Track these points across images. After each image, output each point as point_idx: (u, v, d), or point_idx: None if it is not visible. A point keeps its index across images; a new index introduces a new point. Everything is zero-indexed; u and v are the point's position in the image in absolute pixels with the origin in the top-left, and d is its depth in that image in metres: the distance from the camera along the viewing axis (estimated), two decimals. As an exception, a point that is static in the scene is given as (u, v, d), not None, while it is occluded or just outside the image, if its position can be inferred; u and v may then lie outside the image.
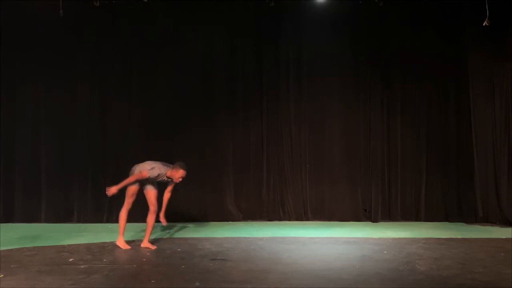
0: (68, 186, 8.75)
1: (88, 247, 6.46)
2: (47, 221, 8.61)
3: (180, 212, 8.48)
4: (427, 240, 6.98)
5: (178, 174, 6.38)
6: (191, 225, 8.31)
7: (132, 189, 6.44)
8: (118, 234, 6.48)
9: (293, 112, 9.01)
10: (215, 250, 6.33)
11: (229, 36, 8.94)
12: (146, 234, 6.47)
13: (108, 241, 6.83)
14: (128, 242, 6.52)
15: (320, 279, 4.96)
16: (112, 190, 6.29)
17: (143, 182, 6.45)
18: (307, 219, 8.88)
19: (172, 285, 4.78)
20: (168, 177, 6.42)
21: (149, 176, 6.30)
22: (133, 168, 6.49)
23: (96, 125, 8.83)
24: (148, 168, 6.32)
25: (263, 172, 8.96)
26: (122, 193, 6.55)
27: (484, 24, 7.58)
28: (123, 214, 6.49)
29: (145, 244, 6.45)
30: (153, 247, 6.40)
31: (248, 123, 9.00)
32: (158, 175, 6.33)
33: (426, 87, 8.94)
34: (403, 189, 8.94)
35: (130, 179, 6.33)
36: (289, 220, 8.87)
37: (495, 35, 8.43)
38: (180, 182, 6.48)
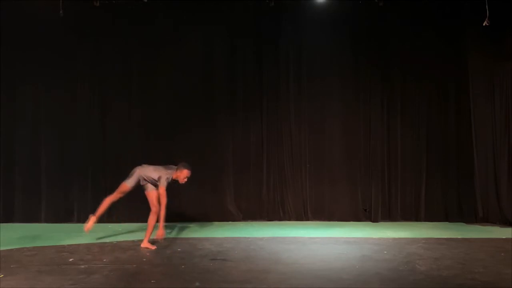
0: (68, 186, 8.75)
1: (88, 247, 6.46)
2: (47, 221, 8.60)
3: (180, 212, 8.49)
4: (427, 240, 6.98)
5: (183, 174, 6.41)
6: (191, 225, 8.30)
7: (125, 188, 6.51)
8: (95, 214, 6.53)
9: (293, 112, 9.00)
10: (215, 250, 6.33)
11: (229, 36, 8.93)
12: (147, 234, 6.45)
13: (108, 241, 6.85)
14: (128, 242, 6.50)
15: (320, 279, 4.96)
16: (161, 233, 6.25)
17: (144, 183, 6.48)
18: (307, 219, 8.88)
19: (172, 285, 4.78)
20: (174, 180, 6.43)
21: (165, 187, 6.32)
22: (133, 170, 6.51)
23: (96, 125, 8.82)
24: (155, 178, 6.34)
25: (263, 172, 8.96)
26: (124, 195, 6.61)
27: (484, 24, 7.59)
28: (107, 201, 6.58)
29: (145, 244, 6.44)
30: (153, 247, 6.39)
31: (248, 123, 8.99)
32: (167, 179, 6.34)
33: (426, 87, 8.94)
34: (403, 189, 8.93)
35: (162, 207, 6.25)
36: (289, 220, 8.86)
37: (495, 35, 8.42)
38: (185, 182, 6.49)
